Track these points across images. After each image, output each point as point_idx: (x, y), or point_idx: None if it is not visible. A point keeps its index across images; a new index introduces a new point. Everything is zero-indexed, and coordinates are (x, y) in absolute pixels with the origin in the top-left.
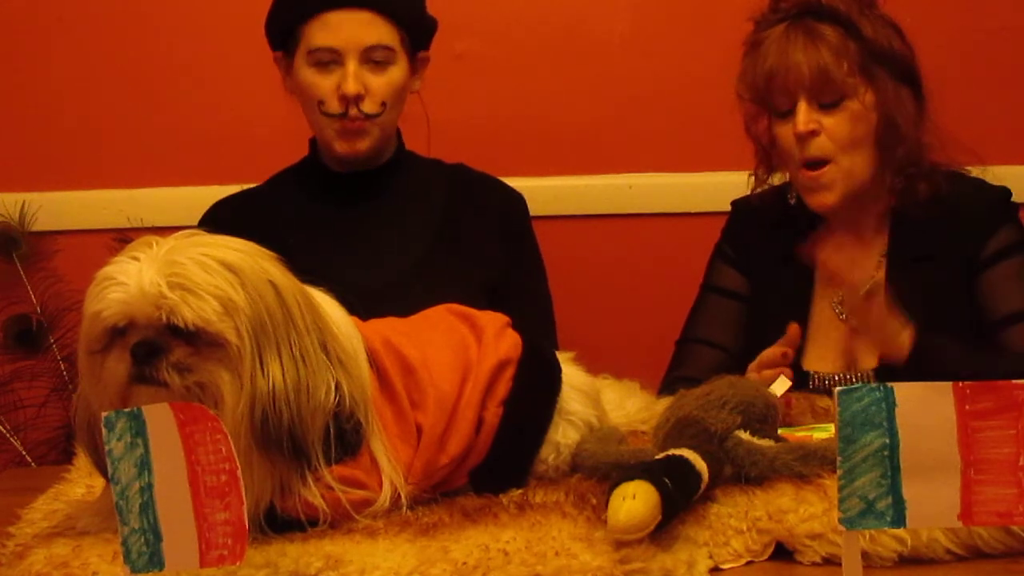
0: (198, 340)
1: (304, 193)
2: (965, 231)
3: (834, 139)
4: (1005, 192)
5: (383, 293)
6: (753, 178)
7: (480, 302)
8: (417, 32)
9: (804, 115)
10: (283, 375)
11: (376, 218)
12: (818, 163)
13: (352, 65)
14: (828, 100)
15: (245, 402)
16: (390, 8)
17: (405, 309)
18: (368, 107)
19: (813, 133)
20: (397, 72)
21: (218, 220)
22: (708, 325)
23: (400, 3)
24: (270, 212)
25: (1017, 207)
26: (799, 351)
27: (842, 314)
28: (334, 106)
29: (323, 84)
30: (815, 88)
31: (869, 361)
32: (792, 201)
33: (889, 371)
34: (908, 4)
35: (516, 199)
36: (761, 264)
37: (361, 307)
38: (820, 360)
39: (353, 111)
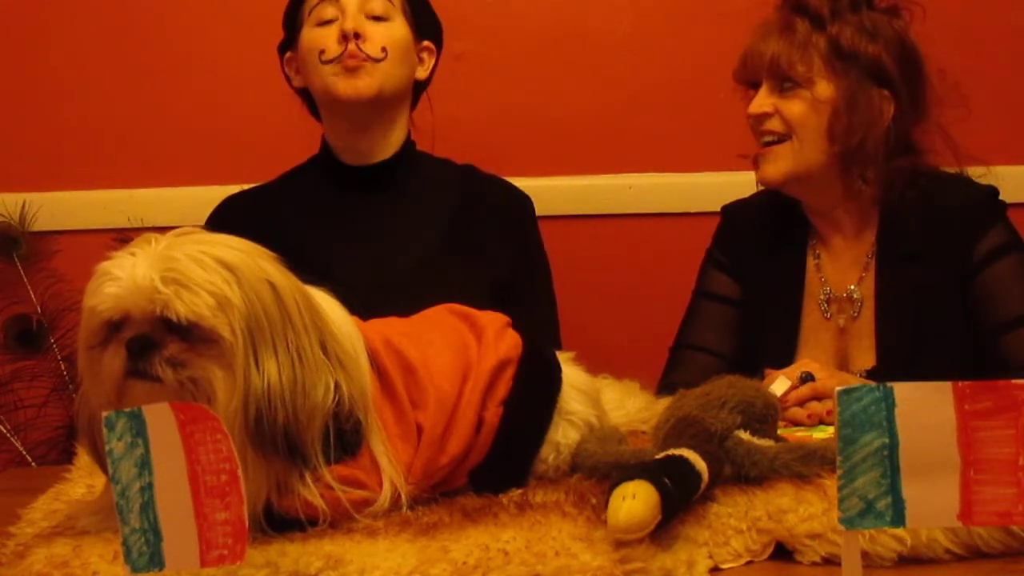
0: (192, 336)
1: (314, 188)
2: (954, 231)
3: (785, 121)
4: (992, 191)
5: (390, 289)
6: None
7: (486, 301)
8: (417, 6)
9: (759, 98)
10: (279, 373)
11: (385, 214)
12: (772, 141)
13: (352, 9)
14: (785, 86)
15: (238, 399)
16: None
17: (411, 305)
18: (369, 48)
19: (765, 115)
20: (397, 27)
21: (229, 215)
22: (701, 331)
23: None
24: (280, 208)
25: (1005, 206)
26: (792, 353)
27: (827, 312)
28: (334, 50)
29: (324, 35)
30: (771, 73)
31: (861, 362)
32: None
33: (880, 372)
34: (909, 4)
35: (524, 200)
36: (752, 268)
37: (367, 302)
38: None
39: (352, 47)
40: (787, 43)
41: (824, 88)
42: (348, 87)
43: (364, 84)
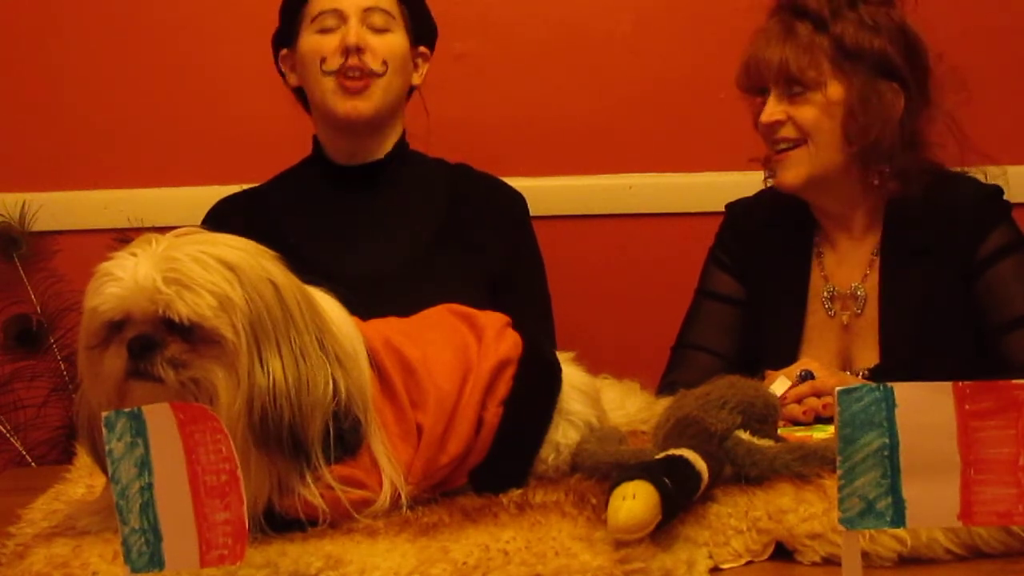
0: (194, 336)
1: (306, 188)
2: (959, 230)
3: (798, 127)
4: (997, 190)
5: (383, 287)
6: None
7: (479, 299)
8: (416, 12)
9: (769, 107)
10: (284, 372)
11: (377, 212)
12: (787, 147)
13: (354, 21)
14: (794, 91)
15: (241, 399)
16: None
17: (405, 303)
18: (370, 60)
19: (778, 123)
20: (397, 39)
21: (222, 217)
22: (703, 331)
23: None
24: (273, 209)
25: (1010, 206)
26: (795, 351)
27: (831, 310)
28: (335, 61)
29: (326, 43)
30: (780, 80)
31: (864, 360)
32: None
33: (883, 371)
34: (911, 4)
35: (516, 197)
36: (756, 266)
37: (361, 301)
38: (815, 360)
39: (354, 61)
40: (792, 48)
41: (835, 89)
42: (347, 108)
43: (363, 106)
